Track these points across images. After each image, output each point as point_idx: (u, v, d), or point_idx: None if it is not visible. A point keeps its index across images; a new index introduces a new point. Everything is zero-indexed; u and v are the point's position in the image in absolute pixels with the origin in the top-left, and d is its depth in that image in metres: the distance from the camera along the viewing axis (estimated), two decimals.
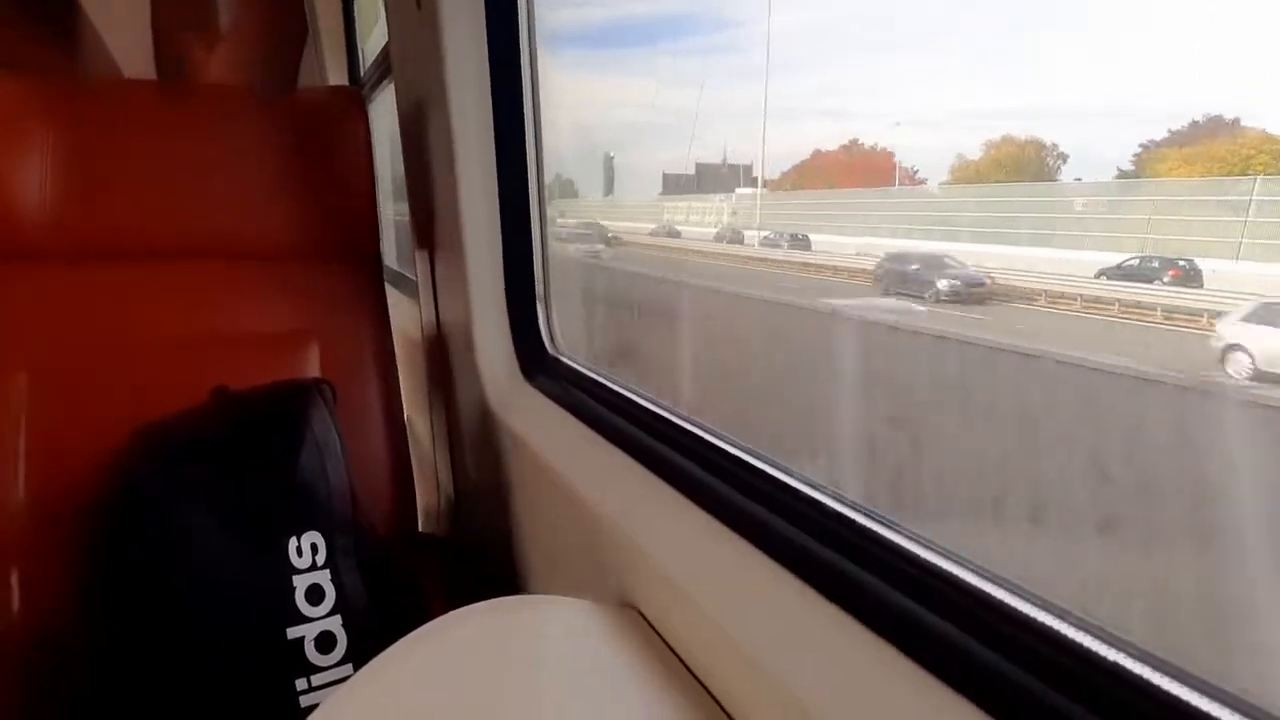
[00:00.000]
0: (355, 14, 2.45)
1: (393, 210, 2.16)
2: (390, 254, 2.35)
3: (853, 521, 0.55)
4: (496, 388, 1.09)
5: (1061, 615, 0.43)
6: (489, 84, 1.04)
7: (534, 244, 1.10)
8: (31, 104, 1.11)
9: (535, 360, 1.10)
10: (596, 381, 0.96)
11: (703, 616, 0.57)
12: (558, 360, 1.08)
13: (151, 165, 1.16)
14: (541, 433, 0.95)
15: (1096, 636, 0.41)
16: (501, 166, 1.07)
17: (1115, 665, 0.39)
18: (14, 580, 1.02)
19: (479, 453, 1.14)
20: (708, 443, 0.73)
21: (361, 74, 2.44)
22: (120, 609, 0.92)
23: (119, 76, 2.46)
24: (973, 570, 0.47)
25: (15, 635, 1.00)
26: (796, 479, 0.62)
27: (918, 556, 0.50)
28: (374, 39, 2.27)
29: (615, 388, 0.91)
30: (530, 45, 1.03)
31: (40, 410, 1.05)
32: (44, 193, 1.09)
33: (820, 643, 0.48)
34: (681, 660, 0.59)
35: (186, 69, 2.71)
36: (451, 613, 0.67)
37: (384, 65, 1.82)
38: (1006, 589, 0.45)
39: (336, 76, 2.48)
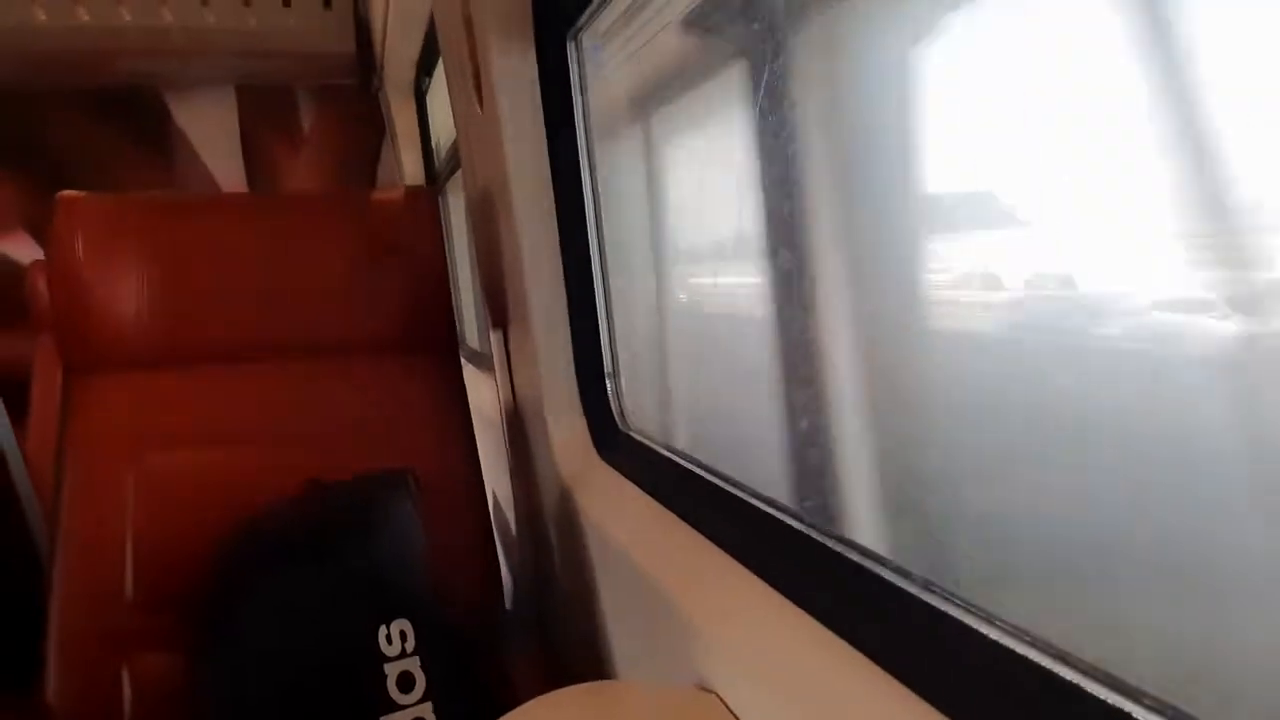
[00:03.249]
0: (428, 113, 2.59)
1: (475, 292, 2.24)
2: (473, 334, 2.44)
3: (946, 615, 0.52)
4: (570, 464, 1.10)
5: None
6: (548, 173, 1.08)
7: (600, 321, 1.13)
8: (129, 222, 1.22)
9: (608, 436, 1.11)
10: (668, 459, 0.96)
11: (781, 703, 0.56)
12: (629, 436, 1.09)
13: (241, 272, 1.25)
14: (614, 510, 0.96)
15: None
16: (565, 249, 1.11)
17: None
18: (123, 672, 1.07)
19: (558, 529, 1.15)
20: (784, 524, 0.72)
21: (436, 165, 2.58)
22: (223, 699, 0.95)
23: (211, 189, 2.68)
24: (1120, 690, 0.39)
25: None
26: (888, 569, 0.60)
27: (1019, 654, 0.46)
28: (447, 133, 2.39)
29: (687, 465, 0.92)
30: (587, 137, 1.07)
31: (146, 507, 1.12)
32: (141, 305, 1.18)
33: None
34: None
35: (274, 172, 2.94)
36: (538, 699, 0.68)
37: (455, 158, 1.92)
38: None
39: (413, 170, 2.62)
